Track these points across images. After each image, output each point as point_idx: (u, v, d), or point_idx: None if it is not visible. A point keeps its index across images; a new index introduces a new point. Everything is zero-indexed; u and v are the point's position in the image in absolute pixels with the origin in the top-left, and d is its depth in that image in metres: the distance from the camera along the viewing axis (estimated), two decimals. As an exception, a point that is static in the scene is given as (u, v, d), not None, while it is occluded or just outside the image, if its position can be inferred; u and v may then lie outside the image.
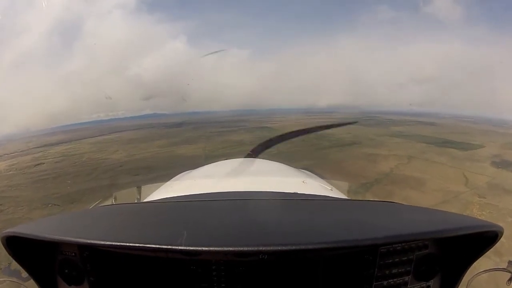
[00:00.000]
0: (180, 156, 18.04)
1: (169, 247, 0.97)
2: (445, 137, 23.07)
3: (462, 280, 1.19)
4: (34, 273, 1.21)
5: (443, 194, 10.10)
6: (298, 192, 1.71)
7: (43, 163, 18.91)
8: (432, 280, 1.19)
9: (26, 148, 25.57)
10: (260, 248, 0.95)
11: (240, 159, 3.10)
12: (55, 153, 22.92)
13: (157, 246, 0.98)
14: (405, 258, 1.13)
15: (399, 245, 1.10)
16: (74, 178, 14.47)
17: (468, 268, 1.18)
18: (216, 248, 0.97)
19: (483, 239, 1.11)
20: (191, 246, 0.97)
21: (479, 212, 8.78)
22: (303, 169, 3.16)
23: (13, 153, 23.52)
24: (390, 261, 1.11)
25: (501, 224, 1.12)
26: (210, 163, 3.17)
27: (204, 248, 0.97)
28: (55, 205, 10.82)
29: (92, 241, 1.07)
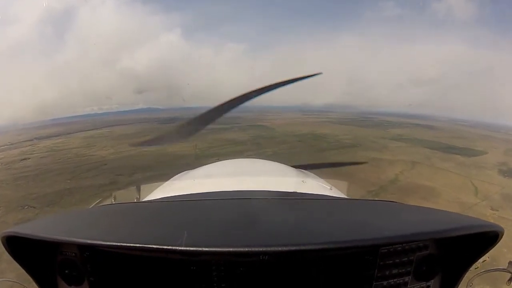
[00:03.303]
0: (169, 155, 17.15)
1: (169, 247, 0.96)
2: (447, 142, 22.81)
3: (462, 280, 1.17)
4: (34, 273, 1.19)
5: (457, 206, 9.59)
6: (298, 192, 1.70)
7: (29, 158, 18.55)
8: (432, 280, 1.16)
9: (16, 141, 25.08)
10: (261, 249, 0.95)
11: (240, 159, 3.02)
12: (43, 147, 22.52)
13: (158, 246, 0.97)
14: (406, 258, 1.10)
15: (400, 245, 1.08)
16: (55, 177, 14.04)
17: (469, 269, 1.15)
18: (216, 249, 0.97)
19: (483, 239, 1.09)
20: (191, 247, 0.96)
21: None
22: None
23: (2, 146, 23.08)
24: (391, 261, 1.09)
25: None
26: (209, 163, 3.07)
27: (204, 249, 0.96)
28: (31, 207, 10.54)
29: (92, 241, 1.06)
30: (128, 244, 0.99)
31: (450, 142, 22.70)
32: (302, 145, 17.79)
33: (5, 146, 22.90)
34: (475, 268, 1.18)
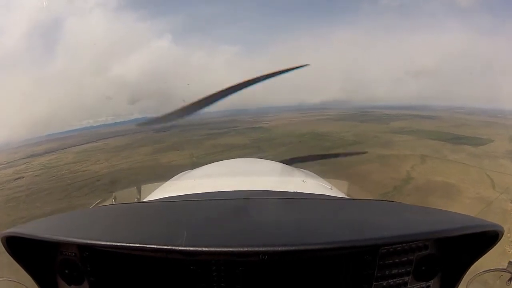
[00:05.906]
0: (164, 166, 16.53)
1: (169, 247, 0.97)
2: (450, 132, 22.22)
3: (462, 280, 1.17)
4: (34, 273, 1.22)
5: (480, 202, 8.95)
6: (298, 192, 1.68)
7: (23, 177, 17.95)
8: (432, 281, 1.17)
9: (12, 159, 24.51)
10: (261, 249, 0.96)
11: (240, 159, 3.07)
12: (38, 164, 22.03)
13: (157, 246, 0.98)
14: (406, 258, 1.12)
15: (400, 245, 1.10)
16: (46, 197, 13.34)
17: (468, 269, 1.15)
18: (216, 249, 0.96)
19: (483, 239, 1.10)
20: (191, 247, 0.96)
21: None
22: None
23: (-2, 164, 22.36)
24: (390, 261, 1.10)
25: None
26: (209, 163, 3.02)
27: (204, 249, 0.96)
28: (20, 233, 9.93)
29: (92, 241, 1.08)
30: (127, 244, 1.00)
31: (453, 131, 22.17)
32: (304, 145, 17.18)
33: (1, 166, 22.30)
34: None
